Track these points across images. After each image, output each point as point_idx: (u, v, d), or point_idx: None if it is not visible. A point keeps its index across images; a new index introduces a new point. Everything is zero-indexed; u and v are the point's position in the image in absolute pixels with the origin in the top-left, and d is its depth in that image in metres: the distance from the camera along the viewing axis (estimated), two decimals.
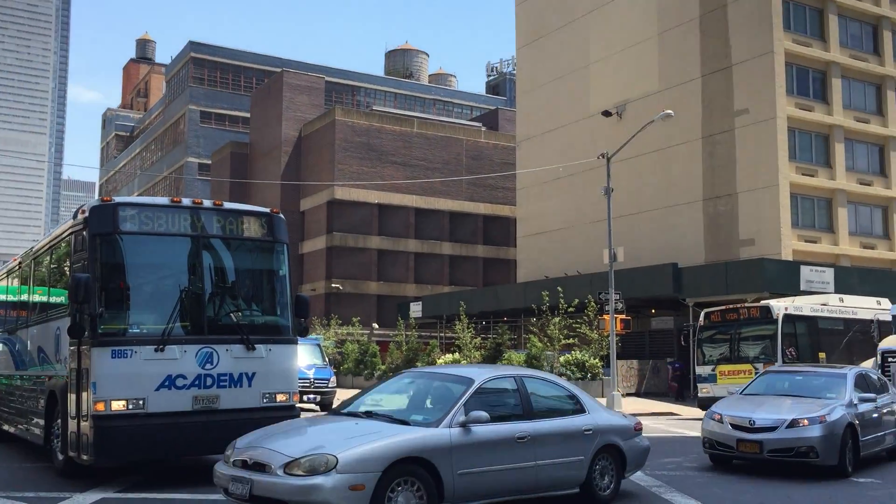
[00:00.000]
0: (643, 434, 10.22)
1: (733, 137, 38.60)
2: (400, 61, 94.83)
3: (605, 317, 28.56)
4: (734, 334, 24.19)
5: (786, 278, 31.91)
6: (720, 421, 12.58)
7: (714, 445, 12.66)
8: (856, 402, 12.69)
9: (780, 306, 23.65)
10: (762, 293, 30.21)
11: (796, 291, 30.05)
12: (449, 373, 9.71)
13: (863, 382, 13.51)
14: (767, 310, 23.66)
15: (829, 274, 32.56)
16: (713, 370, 24.10)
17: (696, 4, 40.58)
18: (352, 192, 61.20)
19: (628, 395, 32.81)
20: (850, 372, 13.54)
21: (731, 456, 12.48)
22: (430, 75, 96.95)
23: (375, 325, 56.34)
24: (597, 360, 32.74)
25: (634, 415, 24.68)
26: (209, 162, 78.30)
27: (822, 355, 23.47)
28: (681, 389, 32.46)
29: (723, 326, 24.62)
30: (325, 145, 62.47)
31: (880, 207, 40.96)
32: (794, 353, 22.77)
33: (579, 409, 9.62)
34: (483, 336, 42.20)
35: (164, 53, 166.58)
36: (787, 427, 11.79)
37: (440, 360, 40.15)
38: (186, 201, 11.00)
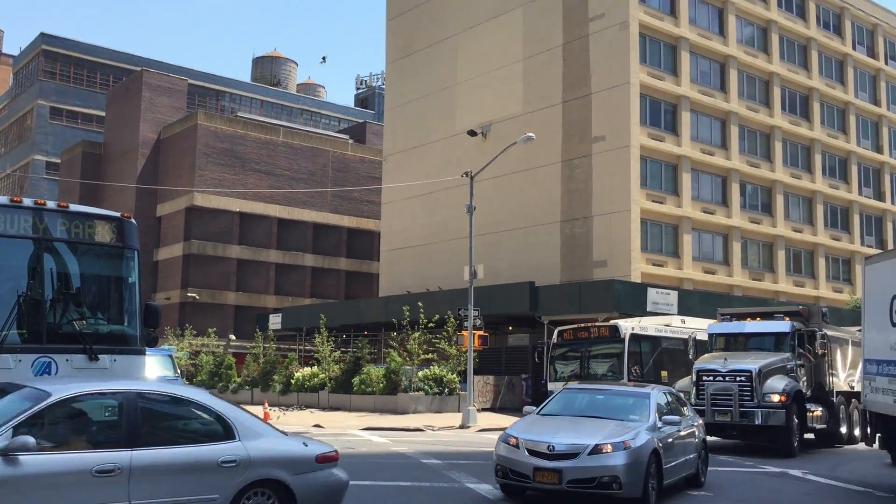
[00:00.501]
0: (337, 467, 8.48)
1: (590, 163, 40.23)
2: (268, 68, 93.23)
3: (464, 333, 29.00)
4: (585, 352, 25.12)
5: (634, 299, 33.47)
6: (516, 446, 10.91)
7: (507, 474, 10.89)
8: (660, 424, 11.57)
9: (627, 326, 24.78)
10: (612, 313, 31.54)
11: (643, 312, 31.56)
12: (31, 385, 7.77)
13: (666, 403, 12.51)
14: (616, 329, 24.73)
15: (673, 296, 34.39)
16: (564, 386, 24.88)
17: (560, 33, 42.15)
18: (212, 199, 59.50)
19: (484, 409, 33.37)
20: (654, 391, 12.45)
21: (525, 486, 10.83)
22: (298, 84, 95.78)
23: (232, 337, 54.87)
24: (454, 376, 33.16)
25: (487, 430, 25.21)
26: (58, 161, 74.11)
27: (664, 373, 24.72)
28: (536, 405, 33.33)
29: (574, 344, 25.52)
30: (186, 150, 60.50)
31: (721, 235, 43.67)
32: (638, 370, 23.89)
33: (225, 435, 7.86)
34: (343, 350, 41.93)
35: (13, 44, 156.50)
36: (590, 454, 10.43)
37: (298, 374, 39.58)
38: (28, 201, 10.39)
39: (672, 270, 40.54)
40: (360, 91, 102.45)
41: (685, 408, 13.58)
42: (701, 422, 14.08)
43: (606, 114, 39.79)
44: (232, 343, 53.55)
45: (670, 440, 11.68)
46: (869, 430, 15.34)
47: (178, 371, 27.48)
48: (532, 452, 10.63)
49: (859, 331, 25.09)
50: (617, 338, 24.52)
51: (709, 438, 19.08)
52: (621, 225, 38.74)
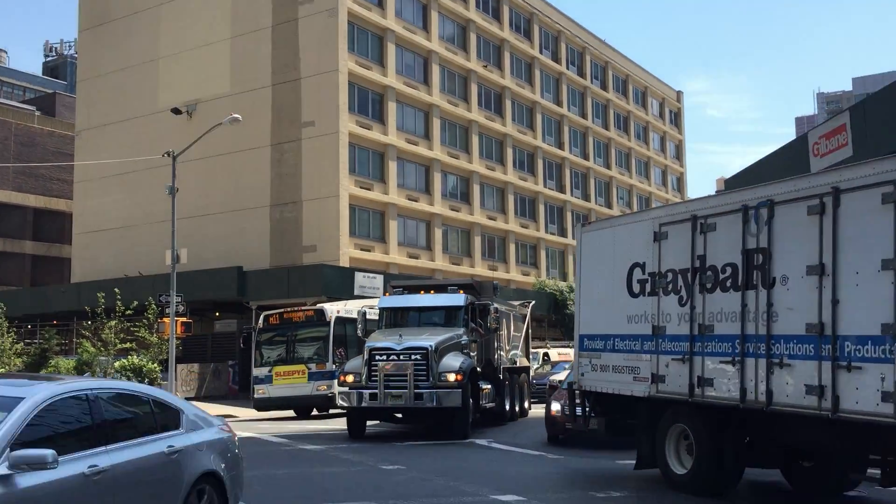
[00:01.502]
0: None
1: (300, 147, 40.30)
2: None
3: (166, 320, 27.89)
4: (291, 336, 25.29)
5: (342, 283, 34.21)
6: None
7: None
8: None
9: (333, 309, 25.33)
10: (321, 297, 31.99)
11: (351, 296, 32.38)
12: None
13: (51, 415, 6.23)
14: (321, 313, 25.17)
15: (379, 280, 35.63)
16: (270, 371, 24.92)
17: (270, 14, 41.63)
18: None
19: (188, 398, 32.29)
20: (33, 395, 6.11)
21: None
22: None
23: None
24: (155, 365, 31.68)
25: None
26: None
27: None
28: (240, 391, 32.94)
29: (280, 329, 25.59)
30: None
31: (424, 221, 45.91)
32: (343, 353, 24.54)
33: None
34: (27, 342, 38.25)
35: None
36: None
37: None
38: None
39: (379, 255, 41.91)
40: (50, 59, 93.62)
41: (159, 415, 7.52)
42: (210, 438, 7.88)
43: (316, 99, 40.04)
44: None
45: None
46: (587, 411, 12.97)
47: None
48: None
49: (523, 304, 26.33)
50: (323, 321, 24.96)
51: (379, 426, 19.11)
52: (330, 210, 39.29)
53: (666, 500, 10.14)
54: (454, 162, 47.65)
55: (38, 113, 63.96)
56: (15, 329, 36.40)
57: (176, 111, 36.29)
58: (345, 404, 17.49)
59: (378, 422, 19.66)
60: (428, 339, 17.32)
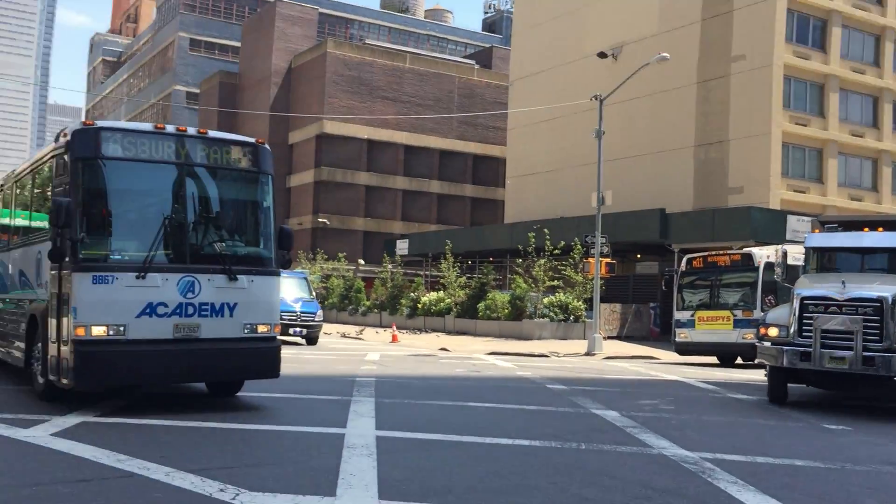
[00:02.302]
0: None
1: (728, 84, 38.28)
2: None
3: (591, 260, 28.66)
4: (715, 280, 24.31)
5: (772, 227, 32.02)
6: None
7: None
8: None
9: (762, 254, 23.72)
10: (748, 241, 30.33)
11: (781, 240, 30.11)
12: None
13: None
14: (749, 257, 23.75)
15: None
16: (692, 315, 24.30)
17: None
18: (341, 126, 60.59)
19: (610, 337, 33.14)
20: None
21: None
22: (425, 10, 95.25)
23: (361, 262, 56.42)
24: (580, 303, 32.98)
25: (613, 357, 25.04)
26: (197, 91, 77.13)
27: None
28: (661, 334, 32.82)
29: (704, 272, 24.72)
30: (316, 78, 61.59)
31: (870, 160, 40.94)
32: (773, 301, 22.93)
33: None
34: (468, 276, 42.36)
35: None
36: None
37: (424, 298, 40.38)
38: (170, 128, 10.80)
39: (815, 197, 38.43)
40: (488, 15, 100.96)
41: None
42: None
43: (748, 31, 37.54)
44: (361, 267, 55.10)
45: None
46: None
47: (313, 293, 28.60)
48: None
49: None
50: (750, 266, 23.55)
51: (810, 390, 16.14)
52: (760, 149, 36.88)
53: None
54: None
55: (477, 67, 69.60)
56: (458, 264, 40.50)
57: (602, 55, 36.57)
58: (765, 362, 15.45)
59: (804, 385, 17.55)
60: (881, 288, 13.83)
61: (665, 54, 28.15)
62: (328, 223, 59.73)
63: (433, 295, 40.31)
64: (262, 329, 10.90)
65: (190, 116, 74.62)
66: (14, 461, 7.28)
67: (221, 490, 6.30)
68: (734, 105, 37.99)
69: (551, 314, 32.60)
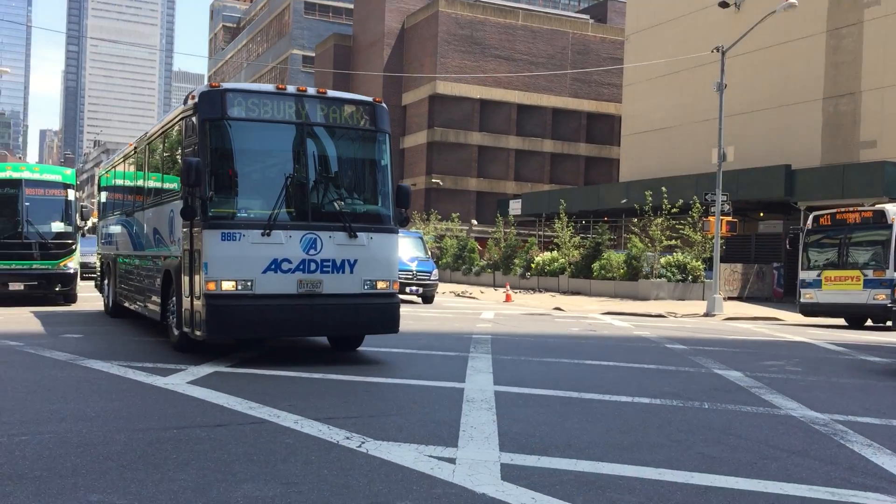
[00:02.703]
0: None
1: (861, 31, 35.99)
2: None
3: (710, 219, 27.83)
4: (844, 239, 23.15)
5: None
6: None
7: None
8: None
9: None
10: (881, 198, 28.71)
11: None
12: None
13: None
14: (882, 214, 22.47)
15: None
16: (819, 275, 23.28)
17: None
18: (454, 86, 60.56)
19: (730, 298, 32.18)
20: None
21: None
22: None
23: (474, 222, 56.63)
24: (699, 263, 32.12)
25: (734, 318, 24.30)
26: (313, 54, 78.62)
27: None
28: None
29: (832, 231, 23.57)
30: (428, 38, 61.64)
31: None
32: None
33: None
34: (582, 235, 41.89)
35: None
36: None
37: (538, 258, 40.23)
38: (291, 89, 11.05)
39: None
40: None
41: None
42: None
43: None
44: (474, 228, 55.33)
45: None
46: None
47: (429, 252, 28.97)
48: None
49: None
50: (883, 223, 22.29)
51: None
52: (895, 100, 34.64)
53: None
54: None
55: (591, 21, 67.95)
56: (572, 224, 40.09)
57: (723, 5, 35.00)
58: None
59: None
60: None
61: (793, 1, 26.68)
62: (441, 184, 60.11)
63: (547, 255, 40.10)
64: (381, 285, 11.12)
65: (306, 79, 76.26)
66: (156, 406, 7.74)
67: (347, 438, 6.51)
68: (867, 54, 35.71)
69: (668, 274, 31.89)
